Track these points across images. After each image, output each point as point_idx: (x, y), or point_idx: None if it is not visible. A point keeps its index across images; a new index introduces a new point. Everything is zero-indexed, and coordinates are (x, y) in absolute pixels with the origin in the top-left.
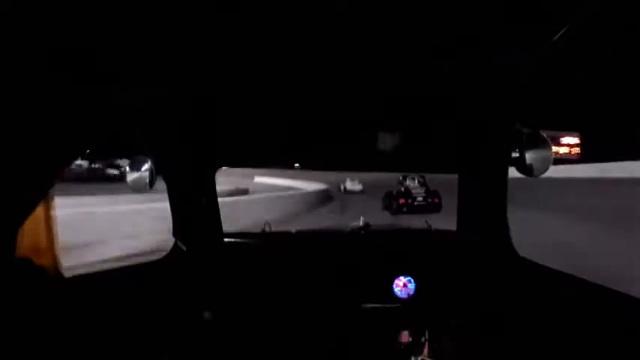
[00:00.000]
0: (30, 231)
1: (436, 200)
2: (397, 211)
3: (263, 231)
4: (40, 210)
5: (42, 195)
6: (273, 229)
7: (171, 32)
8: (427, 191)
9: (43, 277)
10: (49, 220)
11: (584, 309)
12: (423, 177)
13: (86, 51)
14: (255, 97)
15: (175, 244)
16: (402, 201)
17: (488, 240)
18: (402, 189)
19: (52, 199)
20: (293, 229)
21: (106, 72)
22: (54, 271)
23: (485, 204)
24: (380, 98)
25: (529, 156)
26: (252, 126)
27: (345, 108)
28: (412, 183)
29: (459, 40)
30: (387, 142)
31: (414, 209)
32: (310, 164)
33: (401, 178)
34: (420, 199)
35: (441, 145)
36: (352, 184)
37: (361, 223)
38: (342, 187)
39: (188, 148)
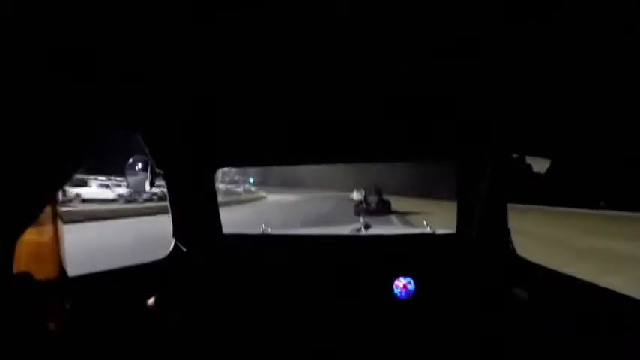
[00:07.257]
0: (34, 232)
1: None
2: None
3: (263, 232)
4: (46, 211)
5: (46, 199)
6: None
7: (172, 32)
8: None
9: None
10: (55, 220)
11: (583, 309)
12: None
13: (86, 51)
14: (255, 96)
15: (175, 245)
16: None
17: (487, 241)
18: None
19: (58, 202)
20: (292, 231)
21: (106, 72)
22: (57, 271)
23: (485, 205)
24: (380, 98)
25: (529, 158)
26: (252, 126)
27: (346, 107)
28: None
29: (459, 40)
30: (386, 141)
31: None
32: (310, 163)
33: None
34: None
35: (440, 145)
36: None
37: (361, 225)
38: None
39: (188, 148)
